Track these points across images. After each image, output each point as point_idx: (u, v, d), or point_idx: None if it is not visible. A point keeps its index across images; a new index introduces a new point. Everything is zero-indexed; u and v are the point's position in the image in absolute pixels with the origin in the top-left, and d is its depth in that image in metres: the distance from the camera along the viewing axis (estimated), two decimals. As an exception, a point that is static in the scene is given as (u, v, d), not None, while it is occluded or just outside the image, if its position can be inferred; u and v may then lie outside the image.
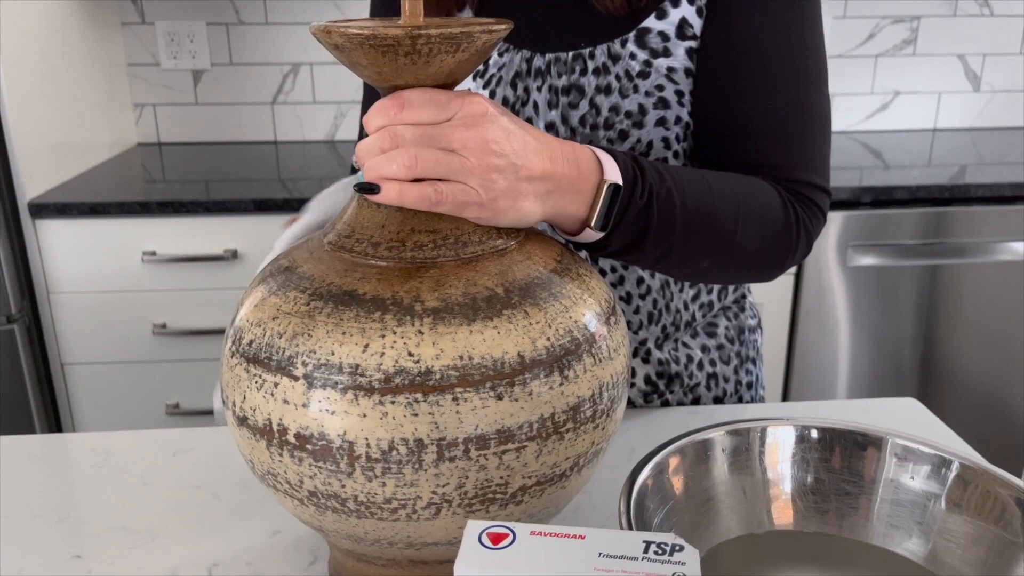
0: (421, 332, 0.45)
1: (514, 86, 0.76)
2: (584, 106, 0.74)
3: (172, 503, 0.69)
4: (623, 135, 0.75)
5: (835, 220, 1.70)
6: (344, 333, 0.45)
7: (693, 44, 0.73)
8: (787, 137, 0.72)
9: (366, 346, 0.45)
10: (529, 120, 0.76)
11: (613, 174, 0.57)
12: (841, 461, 0.60)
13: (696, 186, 0.63)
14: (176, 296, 1.68)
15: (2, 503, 0.70)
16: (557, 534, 0.37)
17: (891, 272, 1.75)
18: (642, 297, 0.82)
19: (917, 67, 2.18)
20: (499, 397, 0.45)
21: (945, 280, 1.77)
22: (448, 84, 0.49)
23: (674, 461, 0.56)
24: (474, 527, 0.37)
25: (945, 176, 1.77)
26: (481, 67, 0.76)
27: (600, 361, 0.49)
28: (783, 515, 0.59)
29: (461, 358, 0.44)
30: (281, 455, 0.46)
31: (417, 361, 0.44)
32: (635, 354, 0.84)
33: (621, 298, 0.82)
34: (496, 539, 0.37)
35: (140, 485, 0.72)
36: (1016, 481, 0.54)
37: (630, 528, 0.47)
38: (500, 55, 0.76)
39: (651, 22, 0.73)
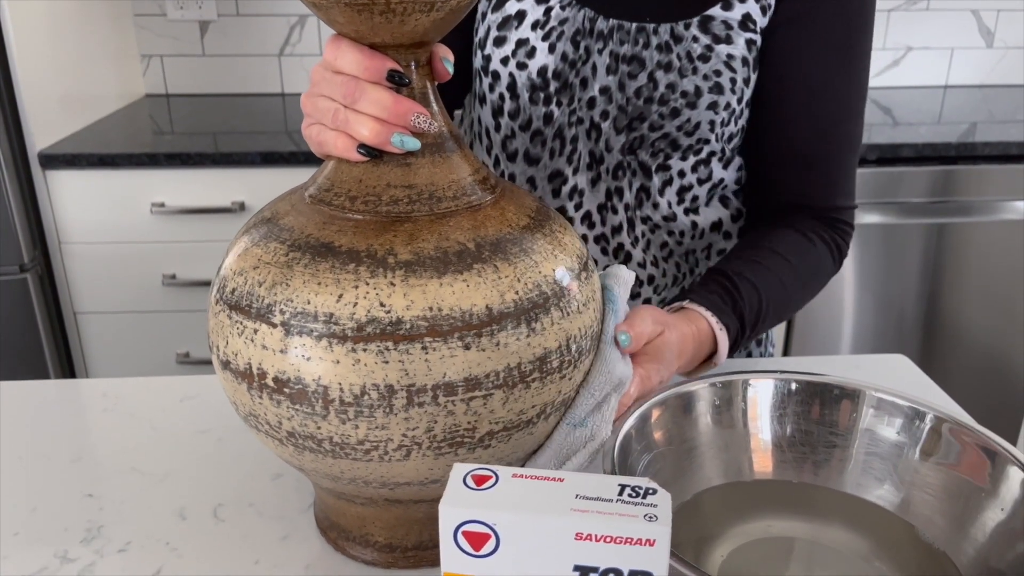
0: (393, 284, 0.47)
1: (575, 44, 0.77)
2: (643, 79, 0.76)
3: (179, 446, 0.72)
4: (675, 113, 0.77)
5: (840, 178, 1.69)
6: (320, 283, 0.47)
7: (753, 36, 0.76)
8: (830, 172, 0.81)
9: (340, 296, 0.47)
10: (585, 81, 0.77)
11: (723, 349, 0.69)
12: (819, 413, 0.62)
13: (779, 299, 0.76)
14: (185, 247, 1.71)
15: (18, 445, 0.73)
16: (537, 477, 0.39)
17: (896, 230, 1.75)
18: (665, 260, 0.85)
19: (930, 22, 2.14)
20: (467, 347, 0.47)
21: (950, 239, 1.77)
22: (424, 42, 0.50)
23: (656, 412, 0.58)
24: (460, 469, 0.40)
25: (954, 134, 1.76)
26: (542, 17, 0.76)
27: (568, 315, 0.51)
28: (763, 465, 0.61)
29: (431, 309, 0.46)
30: (261, 397, 0.49)
31: (388, 311, 0.46)
32: None
33: (651, 262, 0.84)
34: (480, 480, 0.39)
35: (149, 429, 0.75)
36: (984, 431, 0.56)
37: (613, 474, 0.49)
38: (562, 8, 0.77)
39: (716, 11, 0.76)
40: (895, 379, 0.84)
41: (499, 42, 0.78)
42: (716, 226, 0.85)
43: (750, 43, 0.76)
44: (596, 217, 0.82)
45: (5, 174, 1.58)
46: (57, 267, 1.72)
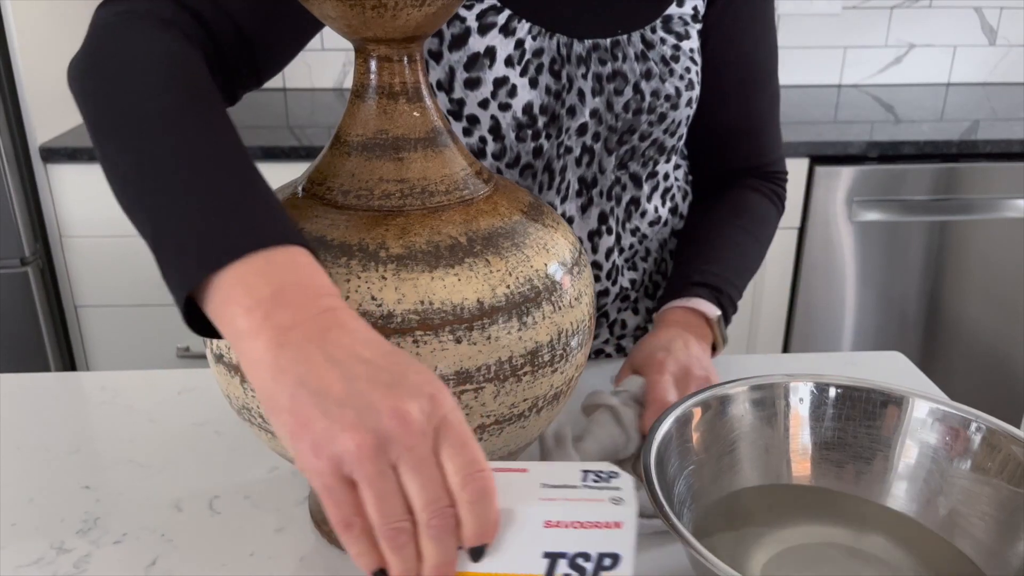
0: (384, 278, 0.47)
1: (555, 74, 0.73)
2: (628, 92, 0.75)
3: (177, 439, 0.73)
4: (662, 118, 0.77)
5: (842, 175, 1.69)
6: (312, 277, 0.47)
7: (700, 27, 0.78)
8: (763, 135, 0.85)
9: (332, 290, 0.47)
10: (572, 109, 0.75)
11: (709, 308, 0.73)
12: (861, 419, 0.60)
13: (749, 265, 0.81)
14: (185, 241, 1.72)
15: (17, 436, 0.73)
16: (501, 468, 0.39)
17: (897, 228, 1.75)
18: (644, 259, 0.86)
19: (933, 19, 2.14)
20: (458, 341, 0.47)
21: (952, 236, 1.77)
22: (416, 36, 0.50)
23: (697, 414, 0.58)
24: None
25: (955, 132, 1.76)
26: (515, 52, 0.72)
27: (560, 309, 0.51)
28: (802, 469, 0.60)
29: (422, 303, 0.47)
30: (253, 391, 0.49)
31: (380, 305, 0.46)
32: (627, 307, 0.87)
33: (630, 268, 0.85)
34: None
35: (147, 422, 0.76)
36: None
37: (650, 477, 0.49)
38: (534, 39, 0.73)
39: (673, 9, 0.77)
40: (891, 376, 0.85)
41: (472, 84, 0.72)
42: (673, 210, 0.87)
43: (699, 33, 0.78)
44: (587, 244, 0.81)
45: (6, 167, 1.59)
46: (58, 260, 1.72)
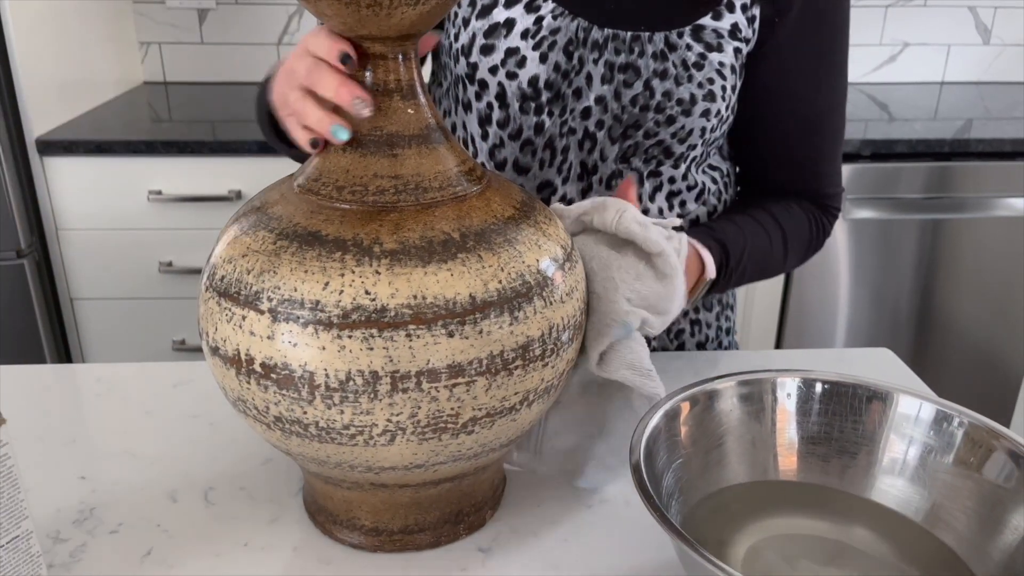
0: (378, 272, 0.48)
1: (568, 54, 0.76)
2: (639, 87, 0.76)
3: (172, 430, 0.73)
4: (671, 120, 0.77)
5: (835, 173, 1.70)
6: (307, 271, 0.48)
7: (740, 45, 0.78)
8: (819, 165, 0.86)
9: (326, 284, 0.48)
10: (578, 91, 0.77)
11: (711, 270, 0.74)
12: (847, 414, 0.61)
13: (761, 245, 0.81)
14: (182, 235, 1.72)
15: (13, 427, 0.73)
16: None
17: (890, 226, 1.76)
18: None
19: (927, 18, 2.14)
20: (450, 335, 0.48)
21: (945, 235, 1.78)
22: (412, 35, 0.51)
23: (685, 409, 0.58)
24: None
25: (949, 130, 1.77)
26: (533, 27, 0.75)
27: (551, 304, 0.52)
28: (788, 464, 0.61)
29: (415, 297, 0.47)
30: (249, 383, 0.50)
31: (373, 299, 0.47)
32: None
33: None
34: None
35: (142, 413, 0.76)
36: (1012, 435, 0.56)
37: (639, 471, 0.49)
38: (554, 18, 0.76)
39: (707, 21, 0.77)
40: (879, 373, 0.85)
41: (487, 50, 0.77)
42: (693, 223, 0.86)
43: (737, 51, 0.78)
44: None
45: (3, 160, 1.59)
46: (54, 253, 1.72)
